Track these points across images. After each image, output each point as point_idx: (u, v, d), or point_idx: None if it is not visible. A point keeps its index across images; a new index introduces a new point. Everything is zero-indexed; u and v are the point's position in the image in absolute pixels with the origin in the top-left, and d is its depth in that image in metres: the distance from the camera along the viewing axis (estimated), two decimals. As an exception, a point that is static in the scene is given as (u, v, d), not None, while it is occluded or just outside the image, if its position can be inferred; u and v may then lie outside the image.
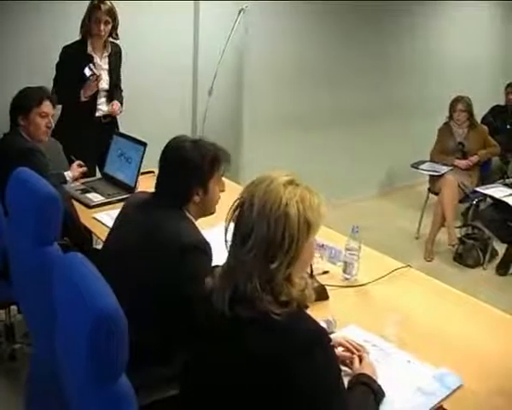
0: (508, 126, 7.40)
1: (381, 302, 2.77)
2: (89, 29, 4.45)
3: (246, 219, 1.72)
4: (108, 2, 4.44)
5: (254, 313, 1.67)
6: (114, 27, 4.53)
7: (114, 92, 4.72)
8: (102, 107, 4.67)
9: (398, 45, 7.59)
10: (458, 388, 2.18)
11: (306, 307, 1.83)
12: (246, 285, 1.68)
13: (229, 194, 1.82)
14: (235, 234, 1.76)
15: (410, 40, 7.83)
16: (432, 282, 3.10)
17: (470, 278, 5.69)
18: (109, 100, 4.69)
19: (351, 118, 7.05)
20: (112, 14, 4.46)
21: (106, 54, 4.62)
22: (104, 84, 4.62)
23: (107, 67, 4.64)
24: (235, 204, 1.77)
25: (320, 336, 1.71)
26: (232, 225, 1.78)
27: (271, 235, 1.67)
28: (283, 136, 6.34)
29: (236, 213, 1.76)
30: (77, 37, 4.50)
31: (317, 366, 1.66)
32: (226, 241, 1.80)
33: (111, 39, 4.61)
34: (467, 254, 5.99)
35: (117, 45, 4.69)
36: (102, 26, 4.42)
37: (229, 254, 1.79)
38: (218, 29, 5.61)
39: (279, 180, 1.73)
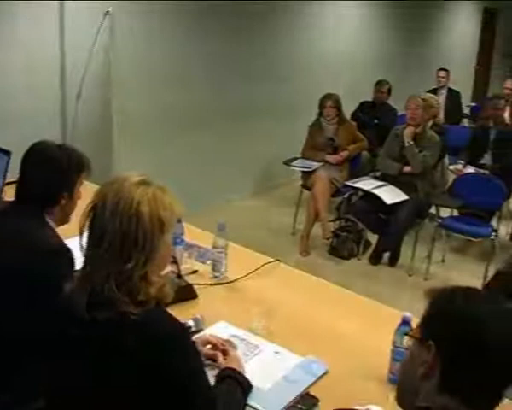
0: (375, 121, 7.66)
1: (249, 297, 2.80)
2: None
3: (99, 220, 1.72)
4: None
5: (112, 314, 1.67)
6: None
7: None
8: None
9: (275, 44, 7.74)
10: (324, 374, 2.25)
11: (166, 305, 1.84)
12: (103, 287, 1.68)
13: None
14: (89, 237, 1.75)
15: (292, 39, 8.06)
16: (301, 275, 3.18)
17: (345, 270, 5.87)
18: None
19: (226, 118, 7.05)
20: None
21: None
22: None
23: None
24: (89, 207, 1.76)
25: (178, 333, 1.74)
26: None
27: (125, 234, 1.68)
28: (156, 138, 6.27)
29: (90, 216, 1.75)
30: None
31: (176, 362, 1.68)
32: (82, 246, 1.79)
33: None
34: (341, 247, 6.16)
35: None
36: None
37: (86, 258, 1.77)
38: (85, 32, 5.51)
39: (131, 180, 1.75)
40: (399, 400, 1.51)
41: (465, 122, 10.13)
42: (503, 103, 7.16)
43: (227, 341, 2.30)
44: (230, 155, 7.13)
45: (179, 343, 1.71)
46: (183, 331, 1.78)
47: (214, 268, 2.96)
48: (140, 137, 6.12)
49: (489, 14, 14.28)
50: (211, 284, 2.90)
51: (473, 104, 11.24)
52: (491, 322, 1.36)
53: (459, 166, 6.72)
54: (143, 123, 6.16)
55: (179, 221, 2.95)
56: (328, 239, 6.24)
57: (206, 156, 6.80)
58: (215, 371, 2.10)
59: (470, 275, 5.51)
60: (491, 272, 5.50)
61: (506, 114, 7.97)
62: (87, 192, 1.92)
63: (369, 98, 8.06)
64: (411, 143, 5.94)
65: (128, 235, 1.68)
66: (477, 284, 5.15)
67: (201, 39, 6.64)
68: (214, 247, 2.93)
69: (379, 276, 5.80)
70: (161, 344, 1.66)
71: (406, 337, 1.58)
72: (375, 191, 5.83)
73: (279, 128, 7.73)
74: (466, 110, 10.30)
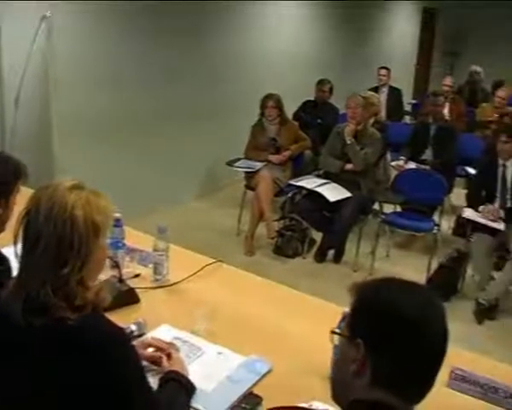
0: (318, 120, 7.71)
1: (192, 299, 2.78)
2: None
3: (33, 225, 1.69)
4: None
5: (48, 320, 1.65)
6: None
7: None
8: None
9: (216, 45, 7.70)
10: (268, 372, 2.26)
11: (107, 309, 1.82)
12: (38, 293, 1.65)
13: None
14: (24, 243, 1.72)
15: (233, 40, 8.07)
16: (244, 275, 3.18)
17: (291, 269, 5.90)
18: None
19: (169, 119, 6.94)
20: None
21: None
22: None
23: None
24: (23, 213, 1.74)
25: (115, 337, 1.72)
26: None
27: (60, 238, 1.66)
28: (98, 140, 6.10)
29: (24, 222, 1.73)
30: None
31: (115, 367, 1.66)
32: (17, 253, 1.76)
33: None
34: (286, 246, 6.16)
35: None
36: None
37: (20, 264, 1.74)
38: (22, 33, 5.36)
39: (64, 185, 1.73)
40: (334, 397, 1.51)
41: (407, 119, 10.30)
42: (442, 100, 7.30)
43: (169, 343, 2.28)
44: (174, 157, 7.04)
45: (117, 348, 1.69)
46: (122, 336, 1.76)
47: (156, 271, 2.93)
48: (81, 140, 5.96)
49: (428, 14, 14.56)
50: (152, 288, 2.87)
51: (414, 101, 11.43)
52: (420, 316, 1.36)
53: (401, 163, 6.83)
54: (83, 126, 6.01)
55: (120, 225, 2.92)
56: (272, 239, 6.24)
57: (149, 159, 6.71)
58: (158, 375, 2.09)
59: (414, 269, 5.56)
60: (434, 266, 5.61)
61: (445, 111, 8.14)
62: (24, 198, 1.89)
63: (312, 98, 8.11)
64: (352, 140, 6.00)
65: (63, 239, 1.66)
66: (421, 277, 5.26)
67: (140, 40, 6.54)
68: (155, 250, 2.91)
69: (324, 273, 5.84)
70: (99, 349, 1.64)
71: (335, 336, 1.58)
72: (318, 189, 5.86)
73: (222, 129, 7.69)
74: (407, 107, 10.48)
